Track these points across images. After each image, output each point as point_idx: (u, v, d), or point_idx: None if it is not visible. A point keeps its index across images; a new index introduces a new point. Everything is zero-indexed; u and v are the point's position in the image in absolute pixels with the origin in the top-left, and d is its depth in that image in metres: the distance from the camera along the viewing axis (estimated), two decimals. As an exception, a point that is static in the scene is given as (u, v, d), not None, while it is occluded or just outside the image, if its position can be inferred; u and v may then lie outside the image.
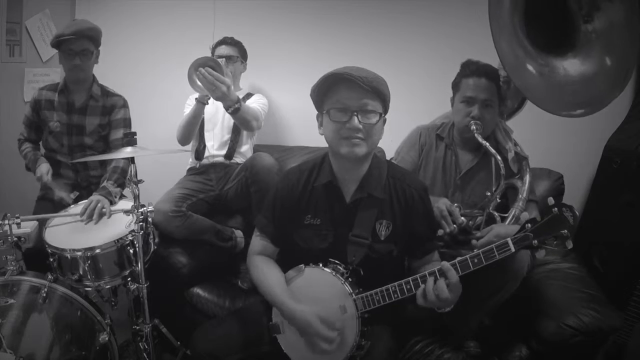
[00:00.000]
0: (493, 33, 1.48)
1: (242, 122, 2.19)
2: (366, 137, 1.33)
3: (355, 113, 1.31)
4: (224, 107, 2.07)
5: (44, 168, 2.10)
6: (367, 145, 1.35)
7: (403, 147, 1.94)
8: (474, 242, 1.58)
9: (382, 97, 1.34)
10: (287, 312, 1.36)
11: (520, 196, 1.70)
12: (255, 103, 2.37)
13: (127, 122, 2.25)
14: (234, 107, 2.04)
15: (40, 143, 2.29)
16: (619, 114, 2.25)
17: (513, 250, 1.22)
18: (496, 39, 1.48)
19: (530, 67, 1.56)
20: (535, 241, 1.21)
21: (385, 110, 1.38)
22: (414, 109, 2.19)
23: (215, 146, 2.42)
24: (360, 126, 1.31)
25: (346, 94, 1.31)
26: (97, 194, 1.95)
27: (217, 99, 2.01)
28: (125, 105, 2.27)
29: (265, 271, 1.47)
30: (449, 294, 1.23)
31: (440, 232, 1.60)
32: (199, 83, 1.98)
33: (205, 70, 1.92)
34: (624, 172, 2.11)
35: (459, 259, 1.26)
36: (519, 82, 1.55)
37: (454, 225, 1.60)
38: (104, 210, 1.88)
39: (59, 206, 2.03)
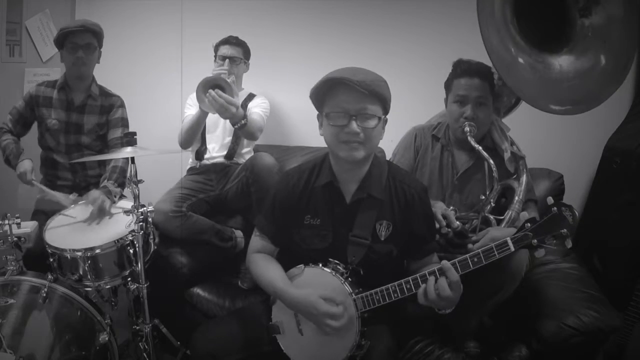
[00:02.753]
0: (482, 29, 1.45)
1: (246, 135, 2.22)
2: (365, 140, 1.32)
3: (354, 117, 1.30)
4: (231, 123, 2.08)
5: (27, 165, 2.05)
6: (366, 149, 1.34)
7: (399, 149, 1.93)
8: (470, 246, 1.57)
9: (382, 99, 1.32)
10: (289, 299, 1.37)
11: (516, 198, 1.69)
12: (257, 107, 2.37)
13: (124, 122, 2.25)
14: (241, 124, 2.05)
15: (36, 142, 2.27)
16: (619, 114, 2.25)
17: (512, 249, 1.22)
18: (486, 35, 1.45)
19: (523, 64, 1.54)
20: (535, 240, 1.21)
21: (386, 112, 1.37)
22: (414, 108, 2.19)
23: (216, 148, 2.42)
24: (359, 130, 1.30)
25: (345, 98, 1.30)
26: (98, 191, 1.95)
27: (224, 118, 2.02)
28: (122, 105, 2.27)
29: (265, 266, 1.47)
30: (451, 292, 1.23)
31: (436, 236, 1.59)
32: (207, 103, 1.98)
33: (216, 92, 1.92)
34: (624, 172, 2.10)
35: (458, 258, 1.25)
36: (511, 79, 1.52)
37: (449, 230, 1.60)
38: (104, 204, 1.89)
39: (58, 207, 2.01)
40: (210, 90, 1.93)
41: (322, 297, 1.32)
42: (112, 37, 2.36)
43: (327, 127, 1.35)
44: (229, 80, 2.02)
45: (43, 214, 2.07)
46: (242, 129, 2.10)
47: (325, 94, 1.34)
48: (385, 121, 1.38)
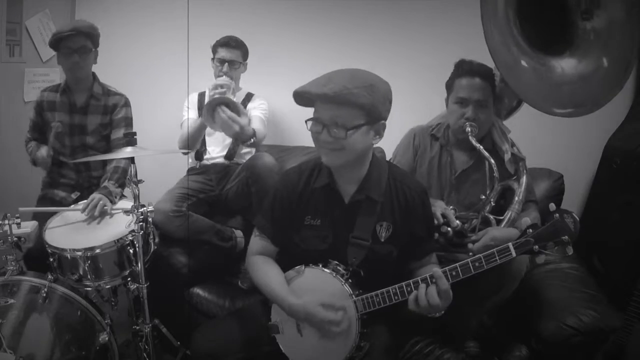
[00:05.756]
0: (485, 30, 1.45)
1: (253, 147, 2.22)
2: (341, 148, 1.31)
3: (326, 126, 1.30)
4: (240, 141, 2.10)
5: (44, 151, 2.10)
6: (345, 155, 1.32)
7: (398, 150, 1.93)
8: (469, 245, 1.57)
9: (360, 107, 1.28)
10: (289, 308, 1.36)
11: (516, 198, 1.69)
12: (257, 110, 2.37)
13: (128, 121, 2.24)
14: (250, 143, 2.06)
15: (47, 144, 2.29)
16: (619, 114, 2.25)
17: (514, 255, 1.23)
18: (489, 36, 1.45)
19: (525, 66, 1.54)
20: (536, 246, 1.22)
21: (374, 118, 1.32)
22: (415, 108, 2.19)
23: (216, 150, 2.43)
24: (330, 139, 1.30)
25: (320, 106, 1.32)
26: (98, 193, 1.95)
27: (231, 136, 2.03)
28: (127, 104, 2.26)
29: (264, 270, 1.47)
30: (439, 301, 1.23)
31: (435, 235, 1.59)
32: (210, 119, 1.96)
33: (230, 116, 1.91)
34: (624, 172, 2.10)
35: (459, 262, 1.26)
36: (513, 82, 1.52)
37: (449, 229, 1.60)
38: (105, 207, 1.89)
39: (60, 205, 2.03)
40: (225, 111, 1.90)
41: (321, 304, 1.32)
42: (111, 37, 2.36)
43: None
44: (234, 99, 2.02)
45: (50, 200, 2.11)
46: (252, 145, 2.11)
47: (306, 102, 1.36)
48: (384, 126, 1.36)
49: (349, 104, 1.27)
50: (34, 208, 2.03)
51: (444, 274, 1.25)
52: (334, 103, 1.27)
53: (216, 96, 1.97)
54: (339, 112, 1.28)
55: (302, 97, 1.35)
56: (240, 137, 2.02)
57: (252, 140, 2.05)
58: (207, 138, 2.42)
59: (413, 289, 1.29)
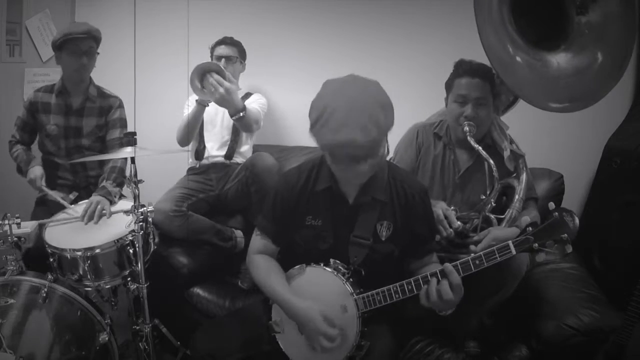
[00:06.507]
0: (479, 28, 1.44)
1: (244, 126, 2.22)
2: (366, 157, 1.27)
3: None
4: (230, 113, 2.08)
5: (38, 171, 2.08)
6: (368, 164, 1.29)
7: (400, 146, 1.92)
8: (472, 247, 1.57)
9: (379, 123, 1.24)
10: (290, 308, 1.36)
11: (517, 196, 1.68)
12: (254, 103, 2.37)
13: (123, 122, 2.25)
14: (239, 116, 2.05)
15: (36, 146, 2.27)
16: (619, 114, 2.25)
17: (514, 252, 1.23)
18: (483, 34, 1.44)
19: (520, 62, 1.53)
20: (536, 244, 1.23)
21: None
22: (415, 107, 2.18)
23: (215, 147, 2.42)
24: (357, 173, 1.29)
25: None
26: (97, 195, 1.95)
27: (219, 104, 2.01)
28: (121, 105, 2.27)
29: (266, 269, 1.47)
30: (453, 295, 1.23)
31: (437, 237, 1.59)
32: (197, 85, 1.98)
33: (215, 77, 1.94)
34: (624, 172, 2.10)
35: (460, 260, 1.26)
36: (509, 78, 1.52)
37: (451, 230, 1.60)
38: (104, 211, 1.88)
39: (58, 207, 2.02)
40: (212, 75, 1.93)
41: (322, 314, 1.32)
42: (112, 37, 2.36)
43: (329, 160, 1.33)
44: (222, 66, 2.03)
45: (45, 205, 2.11)
46: (241, 121, 2.09)
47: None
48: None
49: (376, 124, 1.23)
50: (38, 221, 1.97)
51: None
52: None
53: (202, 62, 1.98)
54: (366, 133, 1.22)
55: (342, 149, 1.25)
56: (228, 106, 2.02)
57: (241, 114, 2.04)
58: (205, 134, 2.42)
59: (414, 287, 1.29)
